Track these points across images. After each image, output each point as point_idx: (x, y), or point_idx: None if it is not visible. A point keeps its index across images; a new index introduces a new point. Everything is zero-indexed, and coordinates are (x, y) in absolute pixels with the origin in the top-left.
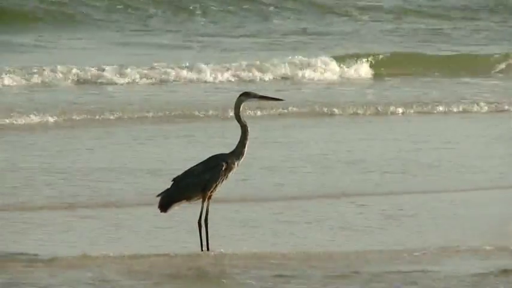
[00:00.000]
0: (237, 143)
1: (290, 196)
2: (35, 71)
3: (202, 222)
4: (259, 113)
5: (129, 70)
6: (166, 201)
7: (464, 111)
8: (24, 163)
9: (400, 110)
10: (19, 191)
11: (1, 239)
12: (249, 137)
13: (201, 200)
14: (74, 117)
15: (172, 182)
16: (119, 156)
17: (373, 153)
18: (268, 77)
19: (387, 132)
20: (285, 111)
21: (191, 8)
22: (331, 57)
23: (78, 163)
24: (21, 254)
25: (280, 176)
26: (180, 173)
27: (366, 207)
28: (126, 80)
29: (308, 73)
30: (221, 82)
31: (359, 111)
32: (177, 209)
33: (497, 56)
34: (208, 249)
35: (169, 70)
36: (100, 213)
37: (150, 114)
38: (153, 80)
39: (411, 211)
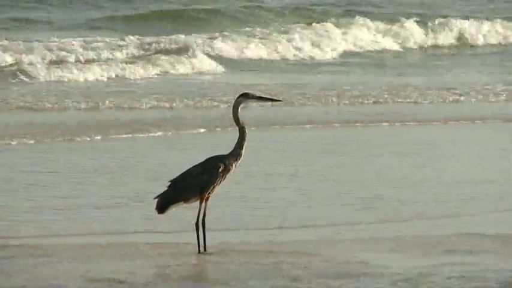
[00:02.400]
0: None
1: None
2: None
3: (200, 224)
4: None
5: None
6: (164, 202)
7: None
8: None
9: None
10: None
11: None
12: (247, 138)
13: (198, 201)
14: None
15: (169, 184)
16: None
17: None
18: None
19: None
20: None
21: None
22: None
23: None
24: None
25: None
26: None
27: None
28: None
29: None
30: None
31: None
32: (174, 210)
33: None
34: (205, 250)
35: None
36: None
37: None
38: None
39: None
